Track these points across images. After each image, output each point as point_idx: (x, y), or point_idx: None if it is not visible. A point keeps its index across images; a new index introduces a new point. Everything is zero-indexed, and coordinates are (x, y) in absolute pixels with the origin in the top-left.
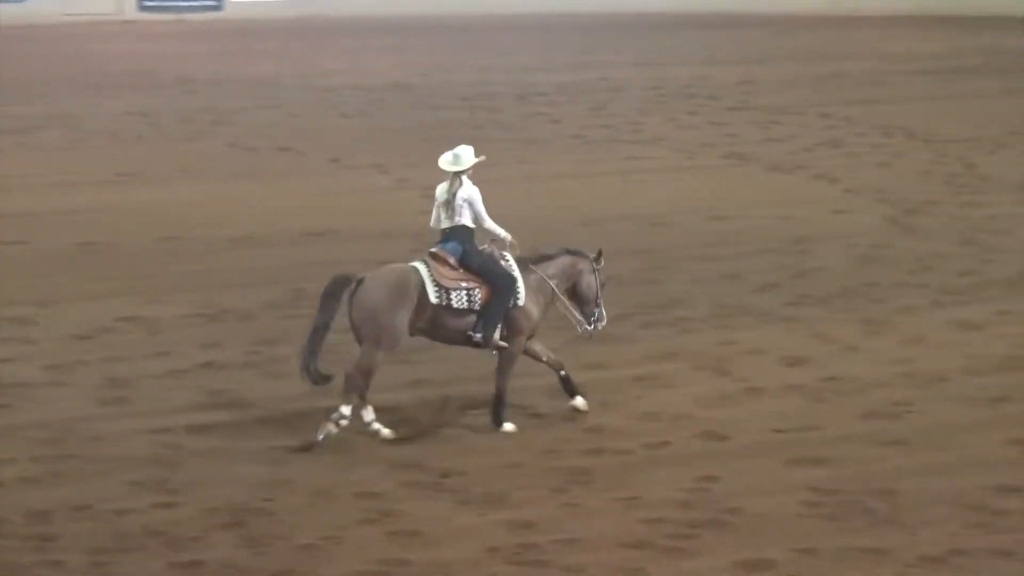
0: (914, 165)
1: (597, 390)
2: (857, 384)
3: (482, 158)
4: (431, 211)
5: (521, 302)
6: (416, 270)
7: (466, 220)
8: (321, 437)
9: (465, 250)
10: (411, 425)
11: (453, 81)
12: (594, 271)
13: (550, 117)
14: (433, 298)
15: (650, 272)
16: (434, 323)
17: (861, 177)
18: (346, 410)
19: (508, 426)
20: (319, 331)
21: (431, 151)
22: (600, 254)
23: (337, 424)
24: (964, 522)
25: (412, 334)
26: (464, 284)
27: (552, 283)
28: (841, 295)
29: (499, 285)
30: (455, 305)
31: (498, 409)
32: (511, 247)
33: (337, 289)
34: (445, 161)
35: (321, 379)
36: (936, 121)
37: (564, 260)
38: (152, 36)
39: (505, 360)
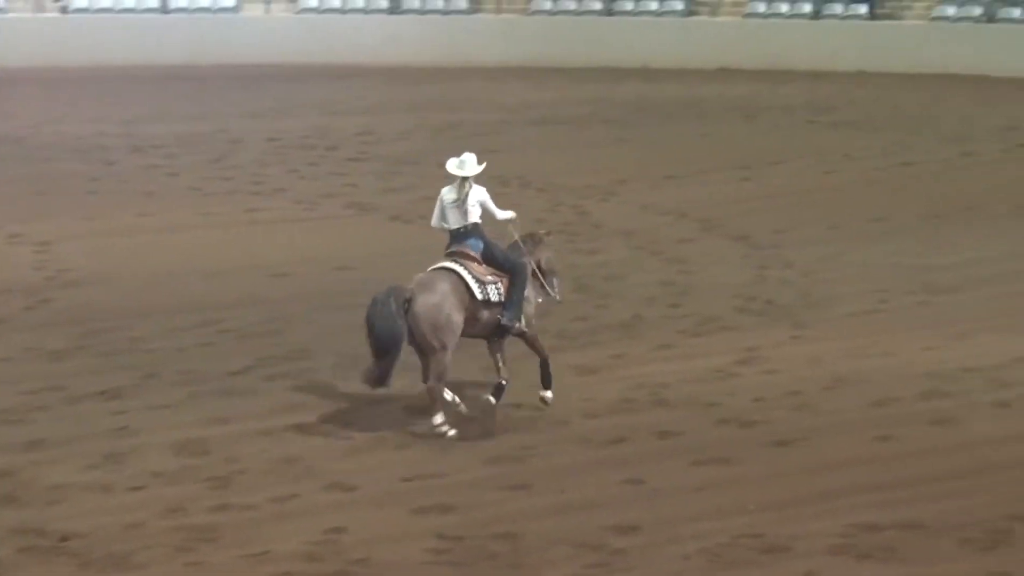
0: (530, 213)
1: (221, 445)
2: (483, 430)
3: (484, 165)
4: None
5: None
6: (455, 271)
7: (476, 218)
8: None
9: (485, 244)
10: (28, 488)
11: (65, 133)
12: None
13: (168, 169)
14: (478, 295)
15: (274, 323)
16: (474, 317)
17: None
18: (439, 418)
19: (548, 394)
20: (397, 346)
21: (44, 205)
22: (549, 232)
23: (445, 434)
24: (584, 562)
25: None
26: (491, 277)
27: (532, 264)
28: (467, 342)
29: (517, 272)
30: (492, 299)
31: (548, 374)
32: (514, 223)
33: (400, 305)
34: (453, 166)
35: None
36: (550, 170)
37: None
38: None
39: (532, 338)
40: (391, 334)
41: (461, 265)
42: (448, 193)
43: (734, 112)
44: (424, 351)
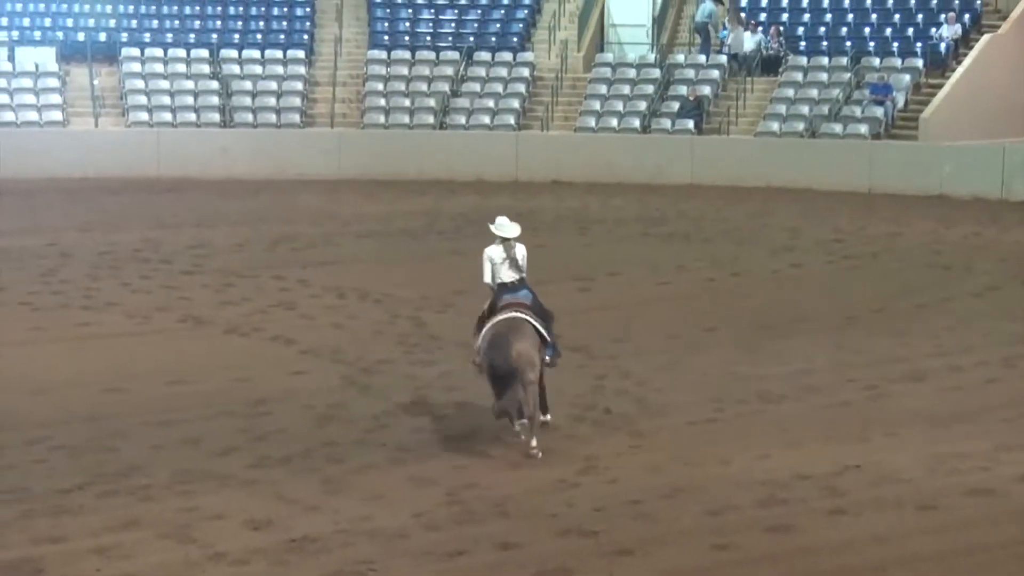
0: (368, 326)
1: (55, 565)
2: (321, 545)
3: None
4: None
5: None
6: (528, 320)
7: (524, 272)
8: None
9: (533, 296)
10: None
11: None
12: None
13: None
14: (540, 337)
15: (106, 439)
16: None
17: (317, 338)
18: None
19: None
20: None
21: None
22: None
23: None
24: None
25: None
26: (539, 322)
27: None
28: (302, 455)
29: (550, 319)
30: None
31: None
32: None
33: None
34: (502, 229)
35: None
36: (386, 281)
37: None
38: None
39: (543, 376)
40: (510, 370)
41: (525, 314)
42: (497, 253)
43: (568, 224)
44: (518, 380)
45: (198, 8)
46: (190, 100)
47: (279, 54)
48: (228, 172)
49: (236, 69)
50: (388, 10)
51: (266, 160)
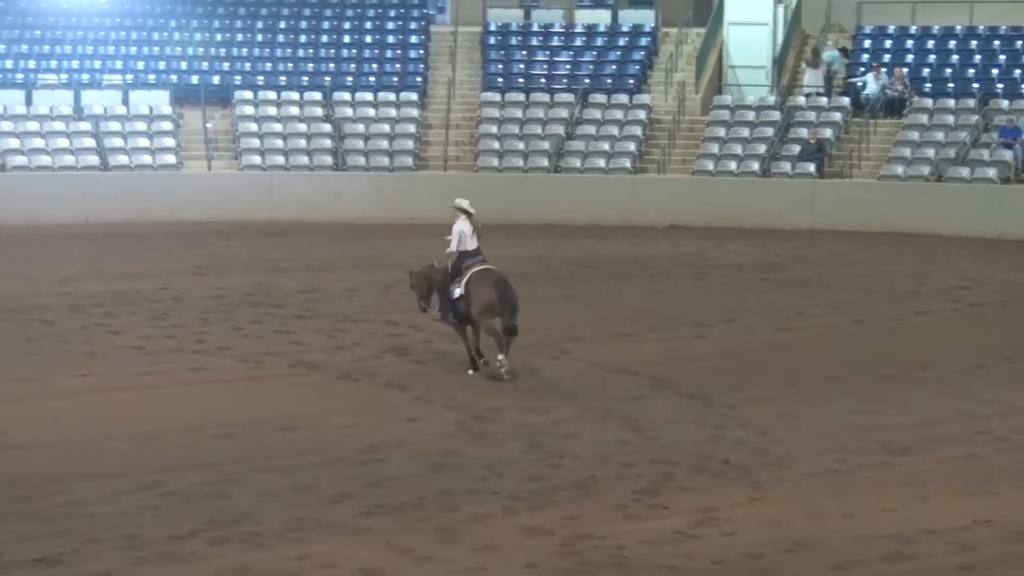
0: (480, 372)
1: None
2: None
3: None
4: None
5: None
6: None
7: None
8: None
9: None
10: None
11: (0, 293)
12: None
13: (108, 328)
14: None
15: (217, 486)
16: None
17: (430, 384)
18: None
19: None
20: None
21: None
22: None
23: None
24: None
25: None
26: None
27: None
28: (414, 504)
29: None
30: None
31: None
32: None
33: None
34: (466, 204)
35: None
36: None
37: None
38: None
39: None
40: (514, 300)
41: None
42: (466, 226)
43: (685, 269)
44: (512, 312)
45: (311, 50)
46: (303, 143)
47: (392, 96)
48: (341, 215)
49: (349, 111)
50: (502, 51)
51: (379, 203)
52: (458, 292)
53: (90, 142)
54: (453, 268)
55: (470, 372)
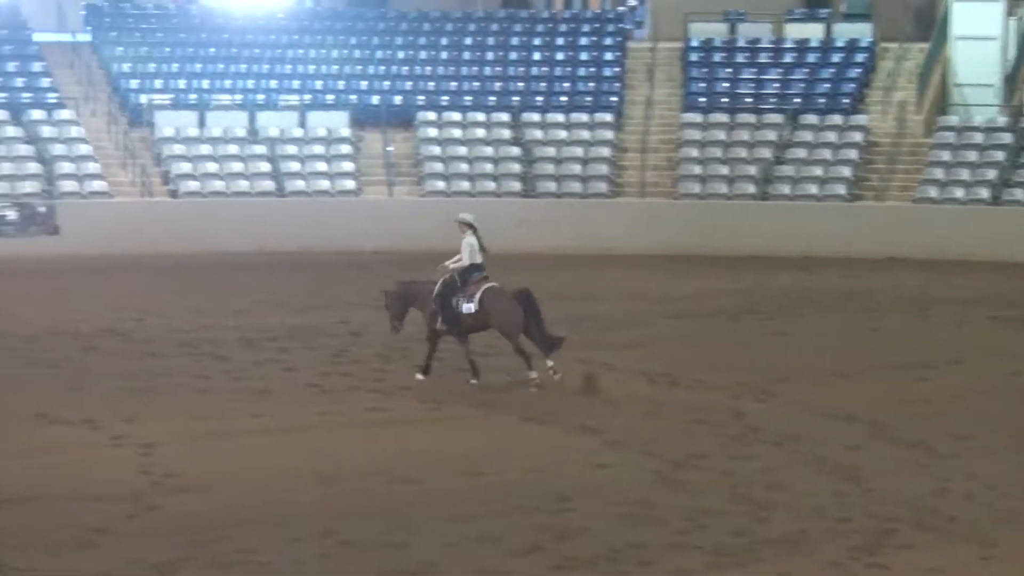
0: (679, 415)
1: None
2: None
3: None
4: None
5: None
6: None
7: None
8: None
9: None
10: None
11: (172, 326)
12: None
13: (283, 364)
14: None
15: (397, 534)
16: None
17: (624, 428)
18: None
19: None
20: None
21: (150, 404)
22: None
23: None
24: None
25: None
26: None
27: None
28: (608, 558)
29: None
30: None
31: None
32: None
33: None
34: (471, 217)
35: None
36: (700, 366)
37: None
38: None
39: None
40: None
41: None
42: (474, 240)
43: (905, 305)
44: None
45: (499, 69)
46: (489, 167)
47: (585, 117)
48: (528, 245)
49: (539, 134)
50: (705, 69)
51: (569, 232)
52: (470, 307)
53: (265, 166)
54: (461, 279)
55: (419, 377)
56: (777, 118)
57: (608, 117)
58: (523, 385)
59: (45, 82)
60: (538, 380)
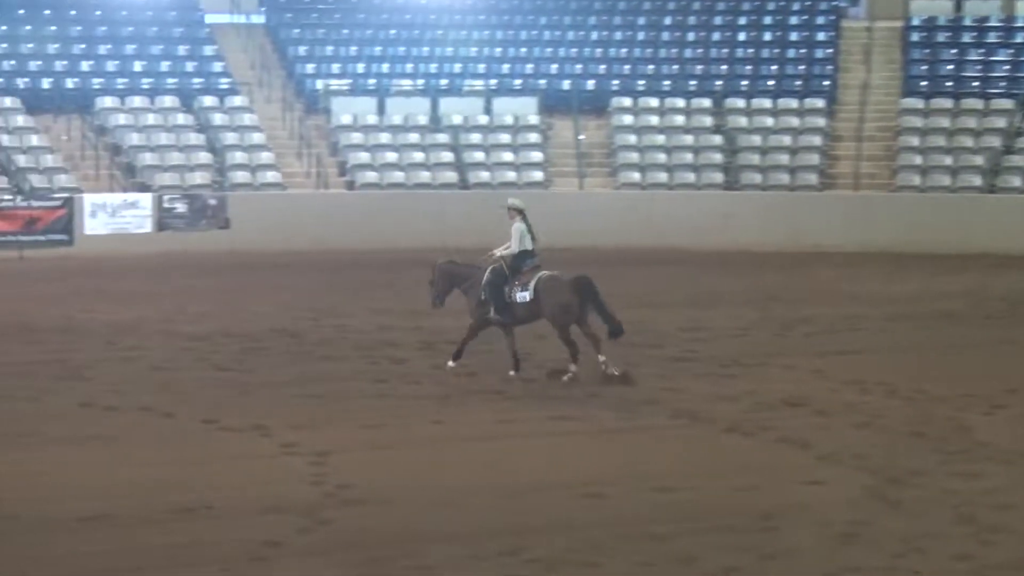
0: (897, 428)
1: None
2: None
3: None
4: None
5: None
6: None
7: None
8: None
9: None
10: None
11: (347, 327)
12: None
13: (466, 369)
14: None
15: (586, 553)
16: None
17: (835, 441)
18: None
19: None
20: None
21: (323, 411)
22: None
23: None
24: None
25: None
26: None
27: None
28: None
29: None
30: None
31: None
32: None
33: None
34: (519, 202)
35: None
36: (920, 375)
37: None
38: None
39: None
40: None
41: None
42: (524, 226)
43: None
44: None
45: (700, 51)
46: (689, 157)
47: (794, 103)
48: (731, 242)
49: (743, 121)
50: (927, 50)
51: (777, 228)
52: (524, 296)
53: (448, 156)
54: (512, 267)
55: (450, 365)
56: (1007, 103)
57: (820, 103)
58: (729, 397)
59: (217, 67)
60: (575, 375)
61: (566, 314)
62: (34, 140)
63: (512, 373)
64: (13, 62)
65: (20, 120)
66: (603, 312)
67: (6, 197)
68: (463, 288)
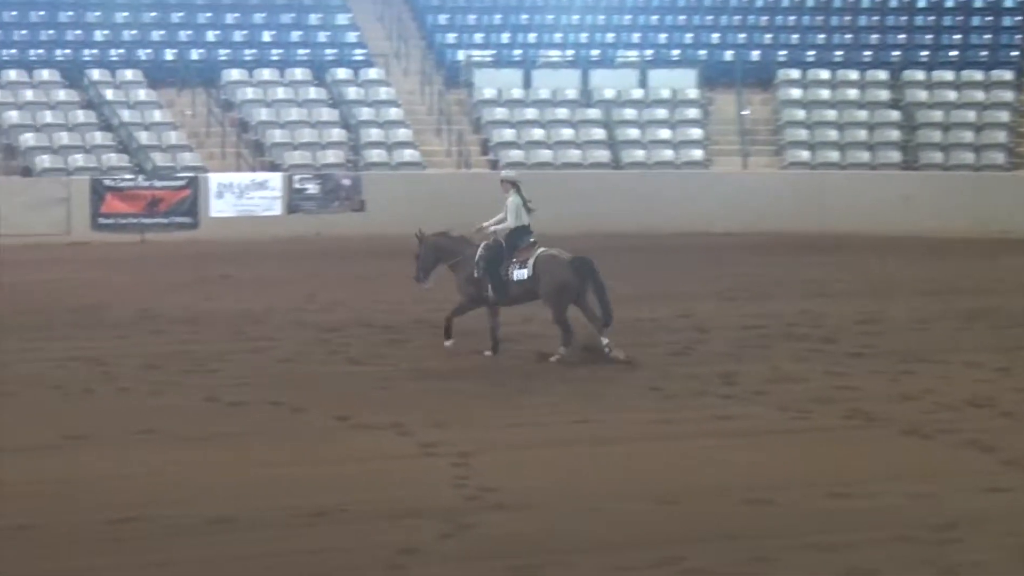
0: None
1: None
2: None
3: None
4: None
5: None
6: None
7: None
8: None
9: None
10: None
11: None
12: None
13: (618, 366)
14: None
15: (750, 564)
16: None
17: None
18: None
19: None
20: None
21: (465, 406)
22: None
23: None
24: None
25: None
26: None
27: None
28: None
29: None
30: None
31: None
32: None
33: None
34: (514, 174)
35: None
36: None
37: None
38: (107, 261)
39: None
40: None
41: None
42: (519, 199)
43: None
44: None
45: (876, 18)
46: (863, 135)
47: (979, 75)
48: (910, 227)
49: (923, 95)
50: None
51: (961, 212)
52: (522, 275)
53: (599, 133)
54: (508, 244)
55: (447, 344)
56: None
57: (1007, 75)
58: (909, 396)
59: (351, 37)
60: (563, 357)
61: (564, 294)
62: (156, 116)
63: (487, 353)
64: (135, 32)
65: (142, 94)
66: (602, 296)
67: (127, 176)
68: (451, 264)
